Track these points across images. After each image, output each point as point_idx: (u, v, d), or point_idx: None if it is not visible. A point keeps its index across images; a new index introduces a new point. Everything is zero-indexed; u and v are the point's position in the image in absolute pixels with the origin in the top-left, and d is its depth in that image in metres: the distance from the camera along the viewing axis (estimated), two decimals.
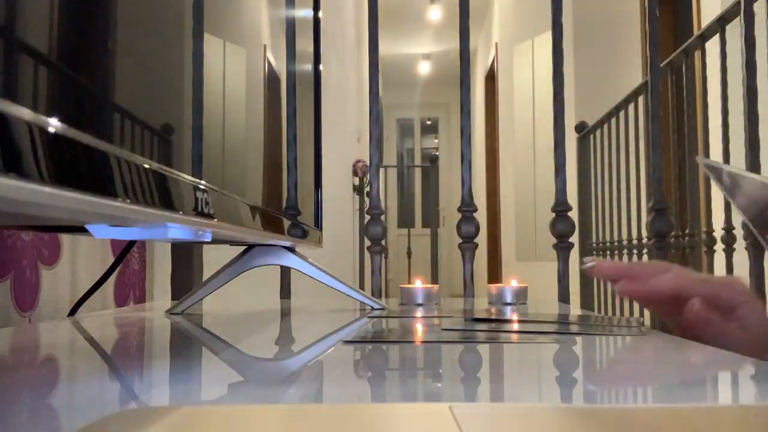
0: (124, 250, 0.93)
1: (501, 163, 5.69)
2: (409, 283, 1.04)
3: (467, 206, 1.39)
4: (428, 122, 9.54)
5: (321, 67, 1.13)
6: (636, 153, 2.65)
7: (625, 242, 2.81)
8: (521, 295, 1.02)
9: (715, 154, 2.16)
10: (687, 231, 2.19)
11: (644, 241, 2.59)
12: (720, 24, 1.91)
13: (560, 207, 1.36)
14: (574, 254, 3.52)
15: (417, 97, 9.15)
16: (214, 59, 0.53)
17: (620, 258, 2.87)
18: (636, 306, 2.70)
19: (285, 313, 0.93)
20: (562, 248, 1.36)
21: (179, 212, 0.40)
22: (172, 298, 1.35)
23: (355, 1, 5.29)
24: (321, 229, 1.10)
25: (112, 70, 0.34)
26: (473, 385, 0.40)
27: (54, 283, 0.93)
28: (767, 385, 0.39)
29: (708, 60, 2.07)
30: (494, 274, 6.24)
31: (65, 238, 0.96)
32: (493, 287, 1.03)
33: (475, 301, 1.12)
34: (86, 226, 0.45)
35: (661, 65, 2.18)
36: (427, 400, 0.36)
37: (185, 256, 1.43)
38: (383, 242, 1.47)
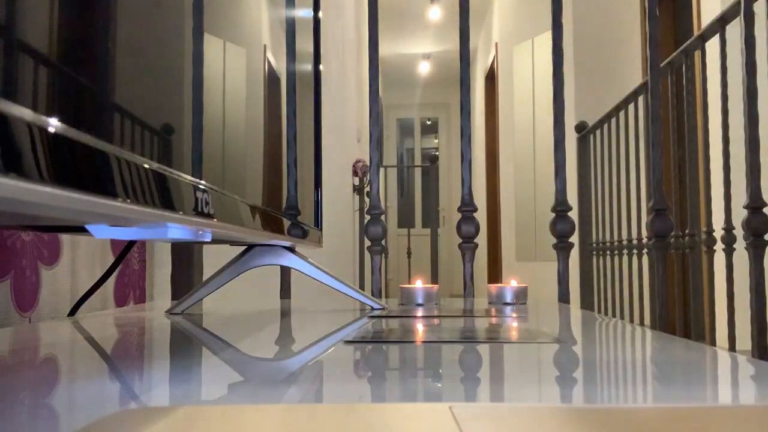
0: (124, 250, 0.93)
1: (501, 163, 5.69)
2: (409, 283, 1.04)
3: (467, 206, 1.39)
4: (428, 122, 9.54)
5: (321, 67, 1.13)
6: (636, 153, 2.65)
7: (625, 242, 2.81)
8: (521, 295, 1.02)
9: (716, 154, 2.16)
10: (687, 231, 2.19)
11: (644, 241, 2.59)
12: (720, 24, 1.91)
13: (560, 207, 1.36)
14: (574, 254, 3.53)
15: (417, 97, 9.16)
16: (214, 59, 0.53)
17: (620, 258, 2.88)
18: (635, 306, 2.71)
19: (285, 313, 0.93)
20: (562, 248, 1.36)
21: (179, 212, 0.40)
22: (172, 298, 1.35)
23: (355, 1, 5.28)
24: (321, 229, 1.10)
25: (112, 69, 0.34)
26: (473, 385, 0.40)
27: (54, 283, 0.93)
28: (767, 385, 0.40)
29: (708, 60, 2.07)
30: (494, 274, 6.24)
31: (65, 238, 0.96)
32: (493, 287, 1.03)
33: (475, 301, 1.12)
34: (86, 226, 0.45)
35: (661, 65, 2.18)
36: (427, 400, 0.36)
37: (185, 256, 1.43)
38: (383, 242, 1.47)
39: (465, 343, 0.57)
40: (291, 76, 0.89)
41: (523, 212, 5.14)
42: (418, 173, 8.94)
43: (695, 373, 0.44)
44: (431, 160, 5.25)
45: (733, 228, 1.93)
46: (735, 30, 1.82)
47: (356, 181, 5.11)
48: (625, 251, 2.82)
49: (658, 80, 1.41)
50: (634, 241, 2.70)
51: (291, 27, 0.90)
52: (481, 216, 6.05)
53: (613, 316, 2.94)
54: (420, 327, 0.70)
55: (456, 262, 7.76)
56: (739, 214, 1.74)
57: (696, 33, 2.12)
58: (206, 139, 0.50)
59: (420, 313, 0.86)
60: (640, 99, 2.63)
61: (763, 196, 1.68)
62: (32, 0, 0.27)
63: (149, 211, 0.35)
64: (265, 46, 0.74)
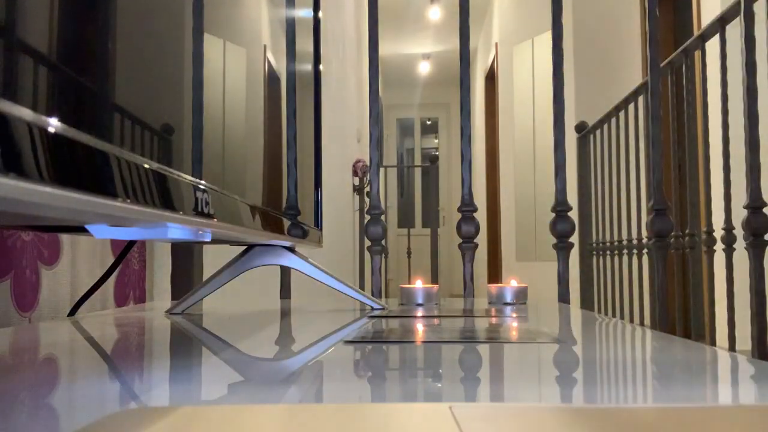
0: (124, 250, 0.93)
1: (501, 163, 5.69)
2: (409, 283, 1.04)
3: (467, 206, 1.39)
4: (428, 122, 9.54)
5: (321, 67, 1.13)
6: (636, 153, 2.65)
7: (625, 242, 2.81)
8: (521, 295, 1.02)
9: (716, 154, 2.16)
10: (687, 231, 2.20)
11: (644, 241, 2.59)
12: (720, 24, 1.91)
13: (560, 207, 1.36)
14: (574, 254, 3.53)
15: (417, 97, 9.16)
16: (214, 59, 0.53)
17: (620, 258, 2.88)
18: (635, 306, 2.71)
19: (285, 313, 0.93)
20: (562, 248, 1.36)
21: (179, 212, 0.40)
22: (172, 298, 1.35)
23: (355, 1, 5.28)
24: (321, 229, 1.10)
25: (112, 69, 0.34)
26: (473, 385, 0.40)
27: (54, 283, 0.93)
28: (767, 385, 0.40)
29: (708, 60, 2.07)
30: (494, 274, 6.24)
31: (65, 238, 0.96)
32: (493, 287, 1.03)
33: (475, 301, 1.12)
34: (86, 226, 0.45)
35: (661, 65, 2.18)
36: (427, 400, 0.36)
37: (185, 256, 1.43)
38: (383, 242, 1.47)
39: (465, 343, 0.57)
40: (291, 76, 0.89)
41: (523, 212, 5.14)
42: (418, 173, 8.94)
43: (695, 373, 0.44)
44: (431, 160, 5.25)
45: (733, 228, 1.93)
46: (735, 30, 1.82)
47: (356, 181, 5.11)
48: (625, 251, 2.82)
49: (658, 80, 1.41)
50: (634, 241, 2.70)
51: (291, 27, 0.90)
52: (481, 216, 6.05)
53: (613, 316, 2.94)
54: (420, 327, 0.70)
55: (456, 262, 7.76)
56: (739, 214, 1.74)
57: (696, 33, 2.12)
58: (206, 139, 0.50)
59: (420, 313, 0.86)
60: (640, 99, 2.63)
61: (763, 196, 1.68)
62: (32, 0, 0.27)
63: (149, 211, 0.35)
64: (265, 46, 0.74)
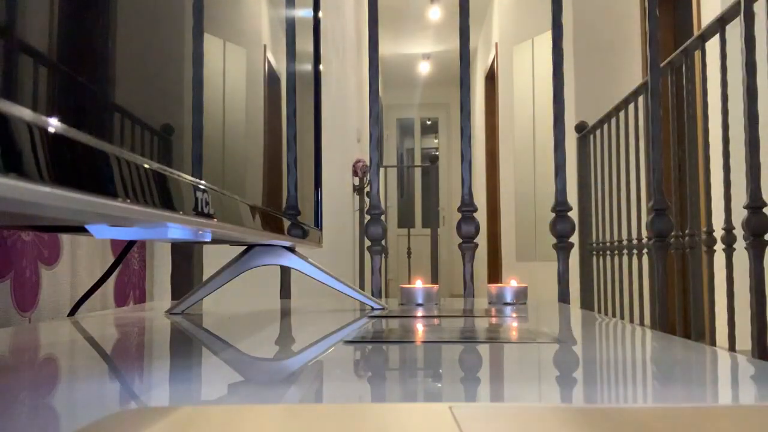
0: (124, 250, 0.93)
1: (501, 163, 5.69)
2: (409, 283, 1.04)
3: (467, 206, 1.39)
4: (428, 122, 9.54)
5: (321, 67, 1.13)
6: (636, 153, 2.65)
7: (625, 242, 2.81)
8: (521, 295, 1.02)
9: (716, 154, 2.16)
10: (687, 231, 2.20)
11: (644, 241, 2.59)
12: (720, 24, 1.91)
13: (560, 207, 1.36)
14: (574, 254, 3.53)
15: (417, 97, 9.16)
16: (214, 59, 0.53)
17: (620, 258, 2.88)
18: (635, 306, 2.71)
19: (285, 313, 0.93)
20: (562, 248, 1.36)
21: (179, 212, 0.40)
22: (172, 298, 1.35)
23: (355, 1, 5.28)
24: (321, 229, 1.10)
25: (111, 69, 0.34)
26: (473, 385, 0.40)
27: (54, 283, 0.93)
28: (767, 385, 0.40)
29: (708, 60, 2.07)
30: (494, 274, 6.24)
31: (65, 238, 0.96)
32: (493, 287, 1.03)
33: (475, 301, 1.12)
34: (86, 226, 0.45)
35: (661, 65, 2.18)
36: (427, 400, 0.36)
37: (185, 256, 1.43)
38: (383, 242, 1.47)
39: (465, 343, 0.57)
40: (291, 76, 0.89)
41: (523, 212, 5.14)
42: (418, 173, 8.94)
43: (695, 373, 0.44)
44: (431, 160, 5.25)
45: (733, 228, 1.93)
46: (735, 30, 1.82)
47: (356, 181, 5.11)
48: (625, 251, 2.82)
49: (658, 80, 1.41)
50: (634, 241, 2.70)
51: (291, 27, 0.90)
52: (481, 216, 6.04)
53: (613, 316, 2.94)
54: (420, 327, 0.70)
55: (456, 262, 7.76)
56: (739, 214, 1.74)
57: (696, 33, 2.12)
58: (206, 139, 0.50)
59: (420, 313, 0.86)
60: (640, 99, 2.63)
61: (763, 196, 1.68)
62: (32, 0, 0.27)
63: (149, 211, 0.35)
64: (265, 46, 0.74)
